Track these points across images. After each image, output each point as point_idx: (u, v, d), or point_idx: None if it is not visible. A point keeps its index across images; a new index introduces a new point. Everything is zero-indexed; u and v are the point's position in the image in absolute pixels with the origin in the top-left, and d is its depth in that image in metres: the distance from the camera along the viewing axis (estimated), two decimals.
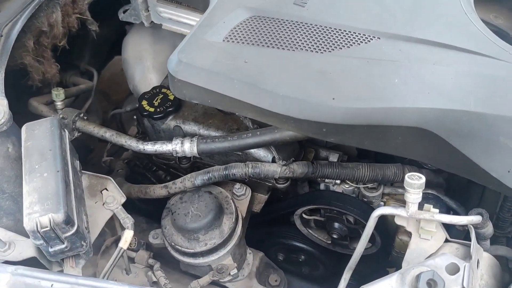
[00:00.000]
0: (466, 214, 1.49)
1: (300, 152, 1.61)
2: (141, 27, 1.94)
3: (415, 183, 1.12)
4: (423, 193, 1.46)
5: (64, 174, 1.17)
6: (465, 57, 1.24)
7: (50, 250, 1.12)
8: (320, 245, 1.79)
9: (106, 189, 1.38)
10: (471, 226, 1.15)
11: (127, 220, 1.32)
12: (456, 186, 1.62)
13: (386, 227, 1.54)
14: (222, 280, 1.53)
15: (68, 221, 1.10)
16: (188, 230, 1.43)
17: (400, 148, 1.17)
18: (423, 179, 1.13)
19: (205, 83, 1.13)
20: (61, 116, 1.57)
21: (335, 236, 1.68)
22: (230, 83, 1.11)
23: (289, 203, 1.68)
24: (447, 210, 1.48)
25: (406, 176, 1.13)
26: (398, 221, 1.22)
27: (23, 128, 1.26)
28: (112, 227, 1.52)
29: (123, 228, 1.49)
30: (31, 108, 1.65)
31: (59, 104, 1.60)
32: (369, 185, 1.53)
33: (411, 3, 1.37)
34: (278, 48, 1.19)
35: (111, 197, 1.35)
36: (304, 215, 1.69)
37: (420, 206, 1.19)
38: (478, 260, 1.15)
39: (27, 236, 1.17)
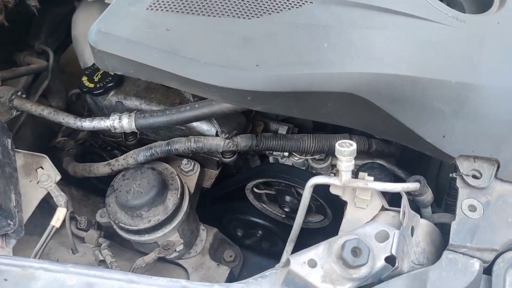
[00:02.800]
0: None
1: (248, 125, 1.58)
2: (90, 4, 1.89)
3: (345, 150, 1.08)
4: (368, 162, 1.45)
5: None
6: (400, 20, 1.21)
7: None
8: (276, 219, 1.76)
9: (41, 167, 1.35)
10: (403, 192, 1.12)
11: (60, 197, 1.30)
12: (412, 156, 1.59)
13: (337, 199, 1.51)
14: (169, 257, 1.50)
15: None
16: (130, 207, 1.41)
17: (332, 115, 1.13)
18: (353, 146, 1.09)
19: (124, 52, 1.08)
20: None
21: (287, 210, 1.66)
22: (149, 52, 1.07)
23: (238, 178, 1.65)
24: (395, 179, 1.45)
25: (336, 144, 1.10)
26: (333, 191, 1.19)
27: None
28: None
29: (75, 209, 1.47)
30: None
31: None
32: (317, 157, 1.50)
33: None
34: (204, 15, 1.14)
35: (45, 175, 1.32)
36: (255, 189, 1.66)
37: (355, 175, 1.17)
38: (413, 227, 1.13)
39: None
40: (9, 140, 1.29)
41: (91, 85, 1.52)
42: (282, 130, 1.58)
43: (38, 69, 2.02)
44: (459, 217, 1.11)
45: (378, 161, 1.47)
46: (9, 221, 1.13)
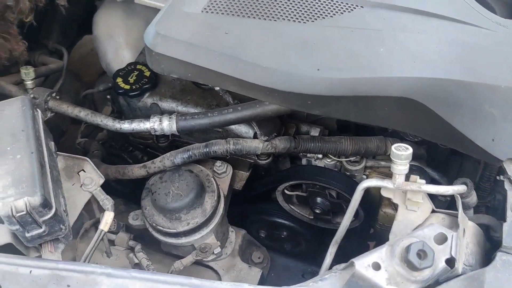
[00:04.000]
0: (449, 184, 1.51)
1: (281, 127, 1.58)
2: (112, 2, 1.86)
3: (402, 154, 1.10)
4: None
5: (39, 156, 1.11)
6: (448, 26, 1.23)
7: (27, 235, 1.07)
8: (302, 221, 1.77)
9: (83, 170, 1.33)
10: (457, 195, 1.14)
11: (106, 201, 1.28)
12: (435, 157, 1.62)
13: (369, 200, 1.53)
14: (205, 259, 1.50)
15: (45, 204, 1.05)
16: (169, 210, 1.40)
17: (386, 119, 1.15)
18: (410, 150, 1.11)
19: (185, 56, 1.08)
20: (32, 96, 1.50)
21: (317, 211, 1.67)
22: (211, 56, 1.07)
23: (271, 179, 1.66)
24: (431, 181, 1.47)
25: (392, 147, 1.11)
26: (384, 193, 1.21)
27: None
28: (90, 210, 1.47)
29: (101, 211, 1.45)
30: None
31: (29, 84, 1.52)
32: (352, 159, 1.52)
33: None
34: (260, 18, 1.14)
35: (89, 179, 1.30)
36: (286, 191, 1.67)
37: (406, 178, 1.18)
38: (464, 229, 1.15)
39: (1, 221, 1.12)
40: (52, 143, 1.27)
41: (127, 87, 1.51)
42: (315, 132, 1.59)
43: (56, 69, 1.99)
44: (509, 219, 1.14)
45: (413, 163, 1.49)
46: (61, 226, 1.12)
